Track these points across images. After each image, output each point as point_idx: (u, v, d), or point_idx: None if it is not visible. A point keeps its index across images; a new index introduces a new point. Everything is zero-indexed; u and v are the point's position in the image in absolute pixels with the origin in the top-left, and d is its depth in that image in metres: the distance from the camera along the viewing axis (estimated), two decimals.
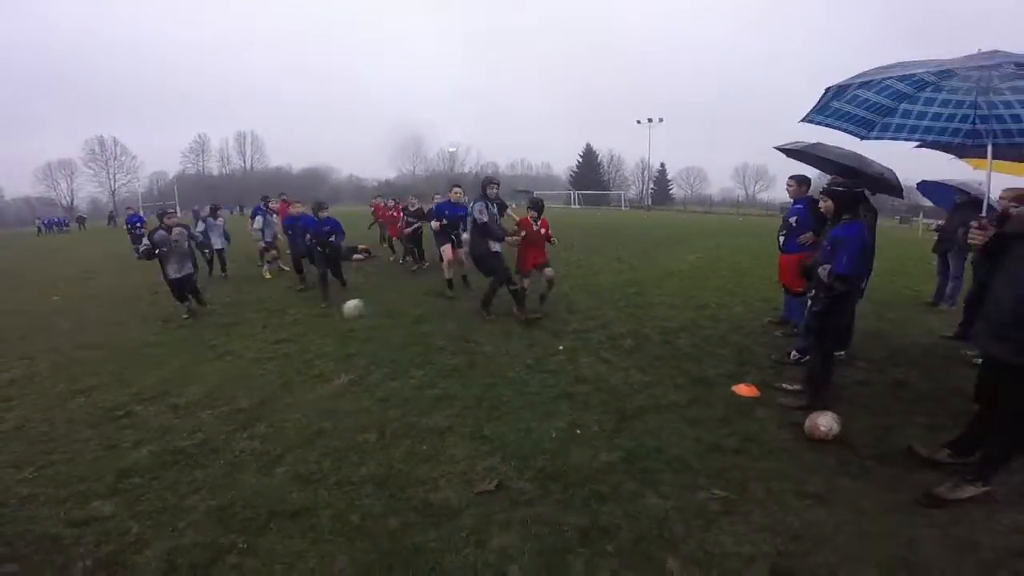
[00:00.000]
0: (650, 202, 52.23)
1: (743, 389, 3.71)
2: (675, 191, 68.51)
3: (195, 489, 2.76)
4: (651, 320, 5.65)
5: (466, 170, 70.74)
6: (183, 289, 6.43)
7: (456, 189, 7.19)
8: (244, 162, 77.74)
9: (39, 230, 35.81)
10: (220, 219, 9.41)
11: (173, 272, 6.31)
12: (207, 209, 9.64)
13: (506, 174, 65.73)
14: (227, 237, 9.38)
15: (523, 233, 5.67)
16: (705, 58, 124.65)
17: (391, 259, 10.68)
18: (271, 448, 3.11)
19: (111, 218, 39.85)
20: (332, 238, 6.98)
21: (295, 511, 2.51)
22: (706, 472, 2.74)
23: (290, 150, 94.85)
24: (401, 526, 2.38)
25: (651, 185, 62.43)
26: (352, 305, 6.01)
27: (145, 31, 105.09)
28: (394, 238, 10.65)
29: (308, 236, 7.02)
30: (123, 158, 67.95)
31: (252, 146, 78.49)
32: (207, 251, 9.14)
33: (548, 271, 5.85)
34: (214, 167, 75.42)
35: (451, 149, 74.86)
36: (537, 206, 5.82)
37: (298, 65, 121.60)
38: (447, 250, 7.11)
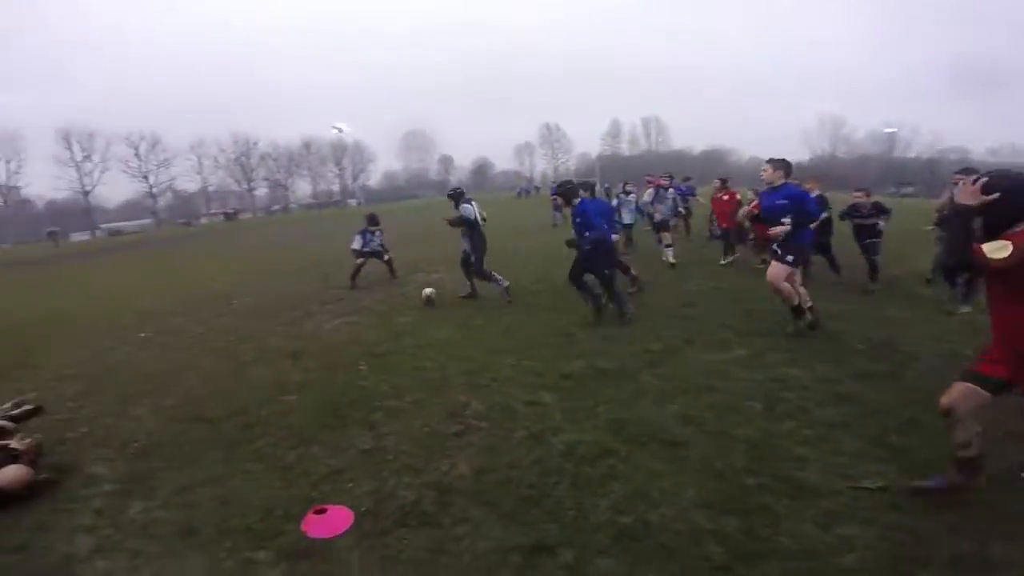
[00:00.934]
0: None
1: None
2: None
3: (605, 401, 3.50)
4: None
5: (911, 155, 56.40)
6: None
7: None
8: (650, 144, 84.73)
9: (518, 194, 51.01)
10: (631, 195, 10.06)
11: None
12: (620, 186, 10.57)
13: (986, 161, 47.60)
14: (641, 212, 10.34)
15: None
16: None
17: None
18: (668, 387, 3.64)
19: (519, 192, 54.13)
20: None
21: (672, 441, 2.91)
22: None
23: (693, 132, 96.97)
24: (756, 485, 2.47)
25: None
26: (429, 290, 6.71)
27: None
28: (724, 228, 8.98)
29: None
30: (562, 140, 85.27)
31: (656, 129, 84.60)
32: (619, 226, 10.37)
33: None
34: (625, 148, 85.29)
35: (889, 130, 60.62)
36: None
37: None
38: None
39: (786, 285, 4.59)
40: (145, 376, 4.83)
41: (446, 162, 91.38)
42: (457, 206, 6.78)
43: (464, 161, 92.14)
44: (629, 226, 10.02)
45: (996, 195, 2.09)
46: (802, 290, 4.72)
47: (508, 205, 33.26)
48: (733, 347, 4.39)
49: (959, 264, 2.29)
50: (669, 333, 4.85)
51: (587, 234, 5.33)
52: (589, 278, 5.39)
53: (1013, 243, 2.03)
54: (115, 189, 63.64)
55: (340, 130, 73.75)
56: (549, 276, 7.78)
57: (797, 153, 65.99)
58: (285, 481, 2.84)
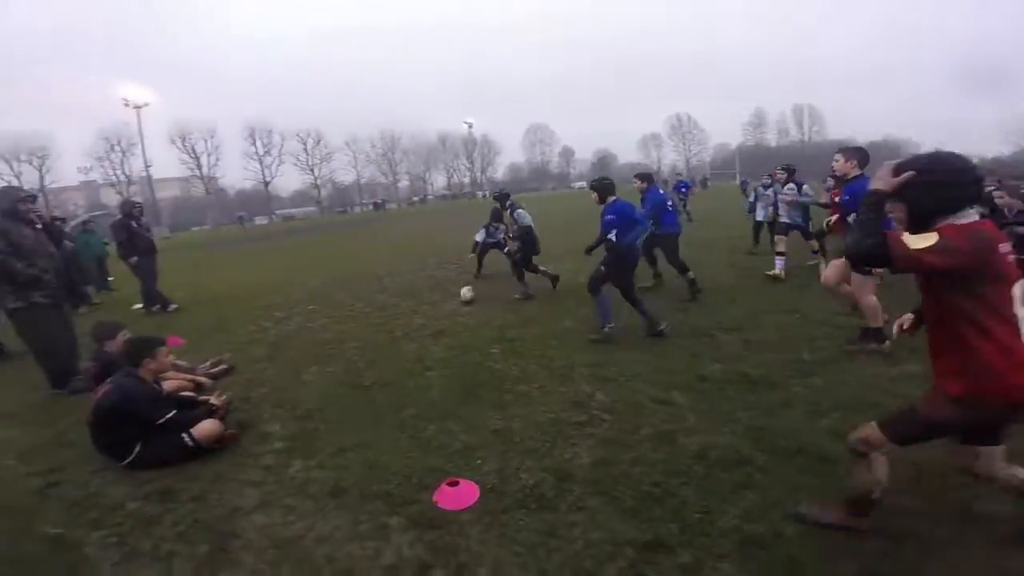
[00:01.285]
0: None
1: None
2: None
3: (746, 407, 3.27)
4: None
5: None
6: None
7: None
8: (802, 134, 76.20)
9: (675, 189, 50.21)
10: (770, 188, 8.71)
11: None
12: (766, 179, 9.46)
13: None
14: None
15: None
16: None
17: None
18: (821, 400, 3.29)
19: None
20: None
21: (820, 456, 2.64)
22: None
23: (854, 122, 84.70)
24: (912, 510, 2.19)
25: None
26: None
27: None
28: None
29: None
30: (695, 132, 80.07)
31: (810, 118, 75.66)
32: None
33: None
34: (772, 139, 77.68)
35: None
36: None
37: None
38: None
39: (872, 299, 4.06)
40: (315, 344, 5.51)
41: (567, 154, 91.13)
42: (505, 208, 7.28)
43: (585, 153, 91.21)
44: (760, 224, 9.17)
45: (910, 174, 1.75)
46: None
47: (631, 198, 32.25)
48: (904, 360, 3.81)
49: (867, 257, 1.77)
50: (825, 342, 4.35)
51: (614, 240, 4.77)
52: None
53: (939, 234, 1.67)
54: (288, 180, 73.36)
55: (470, 125, 77.39)
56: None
57: (997, 145, 55.05)
58: (423, 452, 3.06)
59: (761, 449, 2.77)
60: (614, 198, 4.98)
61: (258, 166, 68.14)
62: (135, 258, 7.91)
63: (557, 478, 2.67)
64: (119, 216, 8.34)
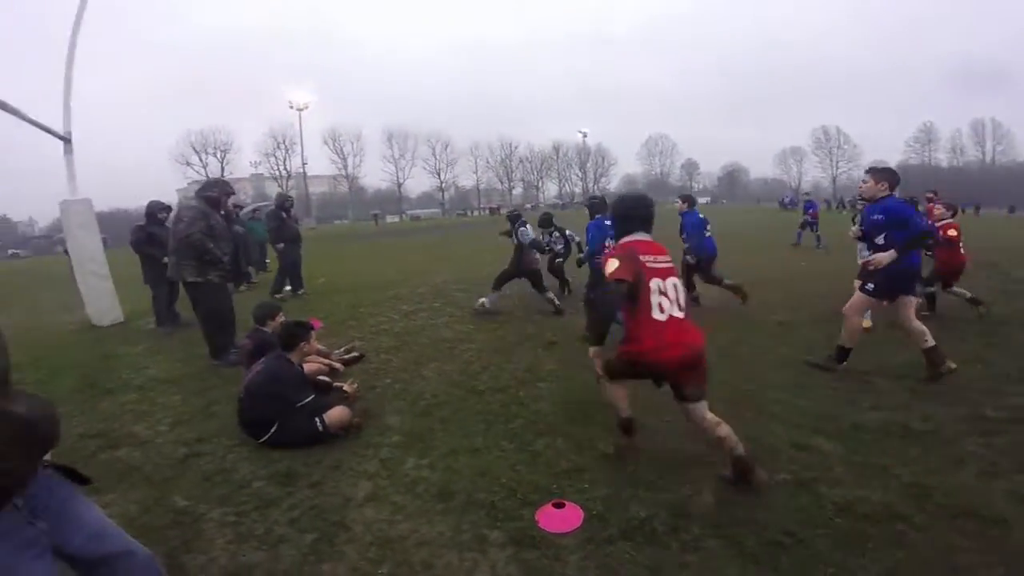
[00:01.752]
0: None
1: None
2: None
3: (907, 462, 2.86)
4: None
5: None
6: None
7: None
8: (982, 154, 65.01)
9: (782, 205, 45.87)
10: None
11: None
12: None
13: None
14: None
15: None
16: None
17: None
18: (1002, 461, 2.82)
19: (781, 203, 46.44)
20: None
21: (991, 518, 2.33)
22: None
23: None
24: None
25: None
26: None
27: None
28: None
29: None
30: (845, 146, 71.58)
31: (993, 136, 64.11)
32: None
33: None
34: (943, 158, 67.25)
35: None
36: None
37: None
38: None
39: (855, 320, 4.27)
40: (436, 341, 5.74)
41: (690, 167, 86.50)
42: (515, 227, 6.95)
43: (711, 167, 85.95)
44: None
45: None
46: (917, 325, 4.12)
47: (758, 218, 29.68)
48: None
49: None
50: (1018, 399, 3.60)
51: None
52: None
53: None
54: (417, 182, 78.73)
55: (584, 134, 76.78)
56: (812, 304, 6.60)
57: None
58: (530, 466, 3.00)
59: (919, 507, 2.47)
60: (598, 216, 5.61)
61: (393, 168, 73.96)
62: (282, 244, 8.86)
63: (672, 514, 2.50)
64: (273, 207, 9.45)
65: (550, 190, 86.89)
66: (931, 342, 4.04)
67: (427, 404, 3.97)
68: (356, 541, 2.43)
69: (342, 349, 5.25)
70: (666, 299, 2.66)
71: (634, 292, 2.64)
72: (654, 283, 2.65)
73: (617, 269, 2.65)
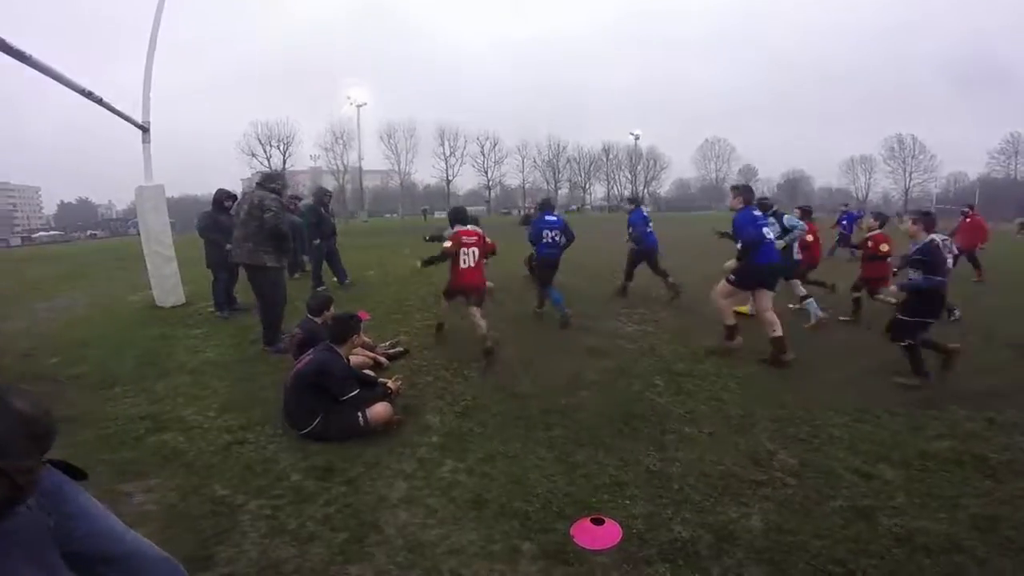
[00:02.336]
0: None
1: None
2: None
3: (977, 494, 2.70)
4: None
5: None
6: None
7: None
8: None
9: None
10: None
11: None
12: None
13: None
14: None
15: None
16: None
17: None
18: None
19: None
20: None
21: None
22: None
23: None
24: None
25: None
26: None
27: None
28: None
29: None
30: (920, 156, 66.79)
31: None
32: None
33: None
34: None
35: None
36: None
37: None
38: None
39: (722, 302, 5.15)
40: (479, 341, 5.65)
41: (747, 173, 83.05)
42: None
43: (772, 173, 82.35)
44: None
45: None
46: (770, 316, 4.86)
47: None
48: None
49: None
50: None
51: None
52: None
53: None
54: (464, 179, 79.34)
55: (637, 136, 75.02)
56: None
57: None
58: (569, 478, 2.92)
59: (984, 540, 2.34)
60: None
61: (443, 164, 74.91)
62: (318, 240, 8.92)
63: (717, 537, 2.40)
64: (312, 201, 9.60)
65: (598, 192, 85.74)
66: (779, 332, 4.77)
67: (467, 405, 3.94)
68: (386, 544, 2.41)
69: (387, 343, 5.29)
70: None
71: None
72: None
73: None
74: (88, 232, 56.98)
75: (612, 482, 2.87)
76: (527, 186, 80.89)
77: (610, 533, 2.43)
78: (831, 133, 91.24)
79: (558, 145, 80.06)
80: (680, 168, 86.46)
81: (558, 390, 4.21)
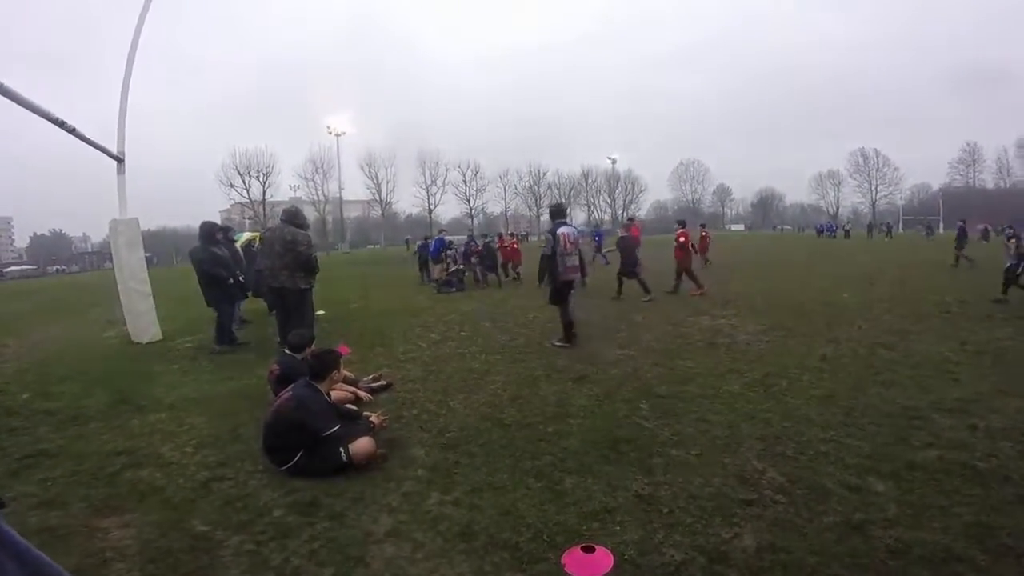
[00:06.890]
0: None
1: None
2: None
3: (968, 503, 2.71)
4: None
5: None
6: None
7: None
8: None
9: (819, 232, 44.79)
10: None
11: None
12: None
13: None
14: None
15: None
16: None
17: None
18: None
19: (870, 227, 45.37)
20: None
21: None
22: None
23: None
24: None
25: None
26: None
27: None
28: None
29: None
30: (884, 169, 69.42)
31: None
32: None
33: None
34: (988, 179, 64.69)
35: None
36: None
37: None
38: None
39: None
40: (463, 372, 5.65)
41: (721, 193, 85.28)
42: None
43: (744, 192, 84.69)
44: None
45: None
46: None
47: (793, 244, 28.82)
48: None
49: None
50: None
51: None
52: None
53: None
54: (447, 208, 79.65)
55: (614, 160, 76.80)
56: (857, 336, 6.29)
57: None
58: (558, 506, 2.88)
59: (982, 548, 2.35)
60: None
61: (424, 193, 75.29)
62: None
63: (709, 559, 2.37)
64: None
65: (579, 216, 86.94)
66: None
67: (453, 437, 3.88)
68: None
69: (370, 377, 5.22)
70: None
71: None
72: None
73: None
74: (56, 267, 55.21)
75: (602, 508, 2.84)
76: (509, 213, 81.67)
77: (602, 561, 2.37)
78: (800, 150, 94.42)
79: (538, 171, 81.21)
80: (657, 191, 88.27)
81: (546, 418, 4.18)
